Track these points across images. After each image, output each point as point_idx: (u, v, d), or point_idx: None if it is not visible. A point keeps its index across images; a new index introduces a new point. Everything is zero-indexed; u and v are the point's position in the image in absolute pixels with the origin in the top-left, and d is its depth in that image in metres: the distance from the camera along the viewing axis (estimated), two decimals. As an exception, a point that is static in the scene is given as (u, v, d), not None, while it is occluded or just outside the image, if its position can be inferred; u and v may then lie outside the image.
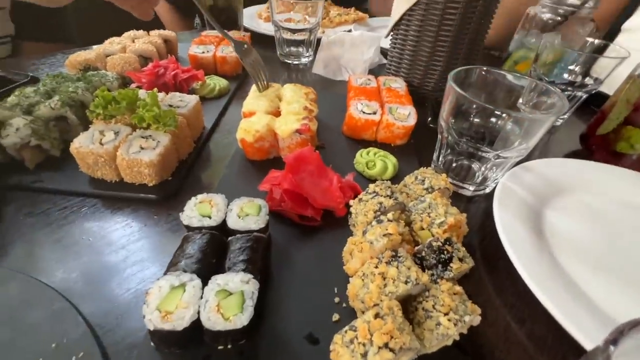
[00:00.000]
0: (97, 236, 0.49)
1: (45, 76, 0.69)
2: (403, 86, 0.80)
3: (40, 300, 0.39)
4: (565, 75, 0.79)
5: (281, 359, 0.36)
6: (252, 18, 1.36)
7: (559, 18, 0.90)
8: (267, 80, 0.75)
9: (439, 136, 0.63)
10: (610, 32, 1.11)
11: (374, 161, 0.63)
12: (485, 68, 0.60)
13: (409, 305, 0.38)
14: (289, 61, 1.10)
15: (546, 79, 0.80)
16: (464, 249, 0.41)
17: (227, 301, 0.34)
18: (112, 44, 0.90)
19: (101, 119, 0.57)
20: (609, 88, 0.78)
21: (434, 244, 0.40)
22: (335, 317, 0.40)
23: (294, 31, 1.03)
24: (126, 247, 0.48)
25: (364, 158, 0.64)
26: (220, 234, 0.42)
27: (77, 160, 0.54)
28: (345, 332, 0.33)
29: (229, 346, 0.35)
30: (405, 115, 0.70)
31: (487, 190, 0.62)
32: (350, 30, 1.21)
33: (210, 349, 0.35)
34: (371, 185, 0.50)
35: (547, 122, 0.49)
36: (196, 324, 0.33)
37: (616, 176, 0.62)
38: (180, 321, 0.32)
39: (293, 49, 1.08)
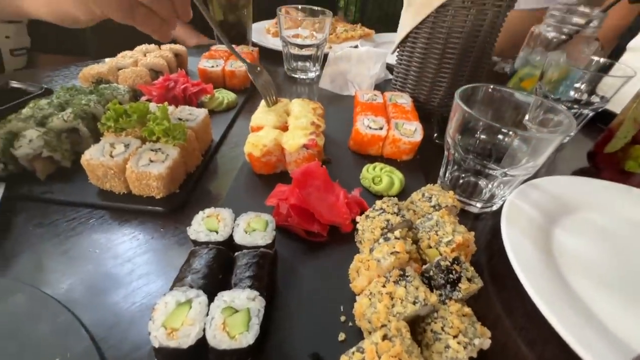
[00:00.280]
0: (103, 248, 0.49)
1: (59, 88, 0.70)
2: (409, 102, 0.81)
3: (45, 313, 0.39)
4: (572, 93, 0.79)
5: (286, 379, 0.35)
6: (261, 33, 1.39)
7: (564, 37, 0.91)
8: (275, 96, 0.76)
9: (446, 152, 0.63)
10: (616, 50, 1.12)
11: (381, 176, 0.63)
12: (491, 86, 0.61)
13: (417, 326, 0.37)
14: (296, 75, 1.12)
15: (552, 96, 0.80)
16: (472, 268, 0.41)
17: (233, 319, 0.33)
18: (125, 57, 0.92)
19: (112, 131, 0.58)
20: (615, 106, 0.78)
21: (442, 263, 0.40)
22: (342, 336, 0.39)
23: (301, 47, 1.05)
24: (132, 260, 0.48)
25: (370, 173, 0.64)
26: (227, 249, 0.42)
27: (87, 172, 0.55)
28: (353, 353, 0.32)
29: (233, 365, 0.35)
30: (411, 131, 0.70)
31: (495, 208, 0.62)
32: (356, 46, 1.23)
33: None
34: (378, 202, 0.50)
35: (555, 141, 0.49)
36: (201, 342, 0.32)
37: (625, 195, 0.62)
38: (185, 339, 0.32)
39: (300, 63, 1.10)
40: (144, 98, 0.79)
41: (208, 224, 0.44)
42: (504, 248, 0.48)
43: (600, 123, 0.88)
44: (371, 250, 0.42)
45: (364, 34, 1.44)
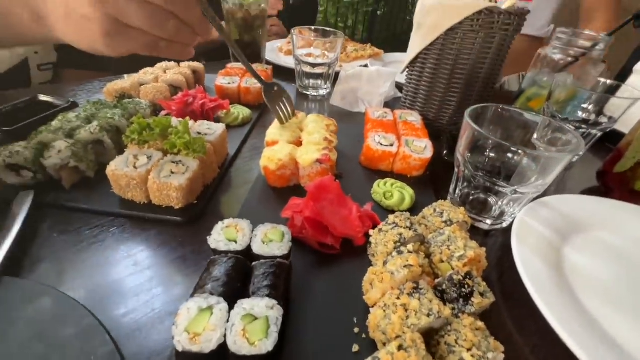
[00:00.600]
0: (124, 255, 0.51)
1: (86, 102, 0.74)
2: (419, 119, 0.83)
3: (70, 316, 0.40)
4: (579, 113, 0.81)
5: (301, 388, 0.36)
6: (274, 52, 1.44)
7: (570, 59, 0.93)
8: (292, 110, 0.78)
9: (456, 169, 0.64)
10: (622, 73, 1.14)
11: (392, 192, 0.64)
12: (500, 106, 0.62)
13: (431, 338, 0.38)
14: (307, 92, 1.15)
15: (560, 116, 0.82)
16: (484, 283, 0.41)
17: (252, 326, 0.35)
18: (146, 74, 0.97)
19: (135, 144, 0.61)
20: (623, 126, 0.79)
21: (455, 277, 0.41)
22: (355, 347, 0.40)
23: (313, 65, 1.09)
24: (151, 268, 0.50)
25: (381, 188, 0.66)
26: (245, 258, 0.44)
27: (111, 182, 0.58)
28: (368, 363, 0.33)
29: (251, 372, 0.35)
30: (421, 148, 0.72)
31: (505, 225, 0.62)
32: (366, 65, 1.27)
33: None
34: (391, 217, 0.51)
35: (564, 160, 0.50)
36: (222, 347, 0.33)
37: (635, 215, 0.62)
38: (207, 343, 0.33)
39: (312, 81, 1.14)
40: (163, 112, 0.82)
41: (227, 234, 0.46)
42: (515, 265, 0.48)
43: (608, 143, 0.89)
44: (385, 263, 0.43)
45: (373, 53, 1.48)
